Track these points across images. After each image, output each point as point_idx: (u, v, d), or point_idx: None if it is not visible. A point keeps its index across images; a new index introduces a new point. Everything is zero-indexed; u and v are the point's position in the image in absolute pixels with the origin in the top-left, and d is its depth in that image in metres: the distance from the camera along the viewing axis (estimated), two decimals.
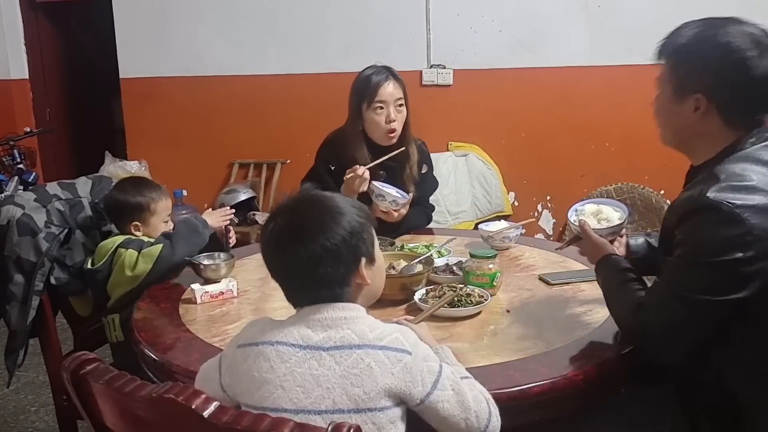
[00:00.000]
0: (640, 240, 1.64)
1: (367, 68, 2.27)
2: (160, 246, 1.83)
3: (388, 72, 2.24)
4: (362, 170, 2.12)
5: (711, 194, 1.17)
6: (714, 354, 1.26)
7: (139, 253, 1.83)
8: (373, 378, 1.02)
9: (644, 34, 3.98)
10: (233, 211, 2.05)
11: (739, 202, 1.15)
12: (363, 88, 2.22)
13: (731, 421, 1.25)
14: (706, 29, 1.26)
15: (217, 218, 2.00)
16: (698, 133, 1.28)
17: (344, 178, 2.15)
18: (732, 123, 1.25)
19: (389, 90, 2.20)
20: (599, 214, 1.59)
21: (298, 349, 1.05)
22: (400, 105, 2.23)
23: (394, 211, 2.17)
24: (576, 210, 1.61)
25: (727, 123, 1.25)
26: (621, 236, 1.61)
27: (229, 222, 2.01)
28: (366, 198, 2.15)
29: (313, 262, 1.07)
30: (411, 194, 2.23)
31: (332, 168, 2.26)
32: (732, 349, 1.25)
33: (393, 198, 2.16)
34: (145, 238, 1.91)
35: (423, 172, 2.38)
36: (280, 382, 1.03)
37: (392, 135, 2.23)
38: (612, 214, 1.59)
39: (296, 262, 1.07)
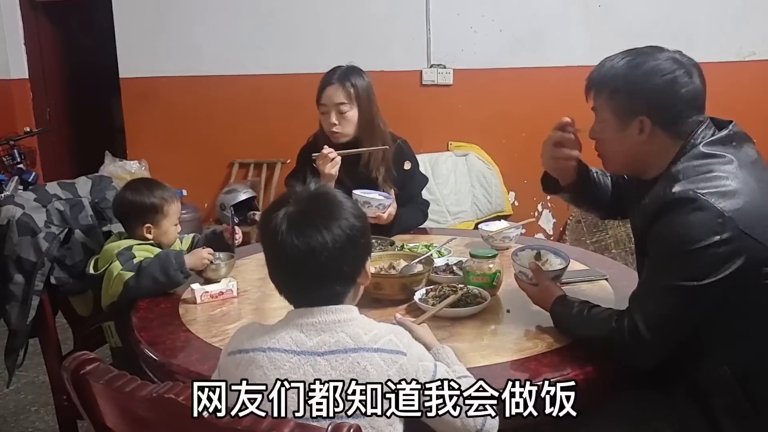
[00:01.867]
0: (585, 165, 1.66)
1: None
2: (130, 274, 1.75)
3: (341, 74, 2.26)
4: (328, 150, 2.17)
5: (677, 189, 1.25)
6: (718, 346, 1.28)
7: (119, 270, 1.77)
8: (370, 381, 1.01)
9: (644, 34, 3.98)
10: (212, 254, 1.87)
11: (704, 190, 1.23)
12: (318, 88, 2.29)
13: (752, 410, 1.26)
14: (633, 58, 1.37)
15: (198, 259, 1.83)
16: (647, 152, 1.38)
17: (315, 164, 2.20)
18: (675, 134, 1.35)
19: (329, 93, 2.24)
20: (540, 259, 1.64)
21: (292, 354, 1.04)
22: (344, 108, 2.24)
23: (382, 213, 2.18)
24: (517, 254, 1.65)
25: (671, 136, 1.35)
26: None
27: (208, 263, 1.85)
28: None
29: (335, 251, 1.05)
30: (392, 191, 2.25)
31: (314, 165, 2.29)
32: (734, 336, 1.27)
33: (379, 202, 2.17)
34: (144, 250, 1.85)
35: (406, 168, 2.39)
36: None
37: (336, 135, 2.27)
38: (553, 259, 1.65)
39: (318, 249, 1.04)
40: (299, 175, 2.32)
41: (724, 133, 1.34)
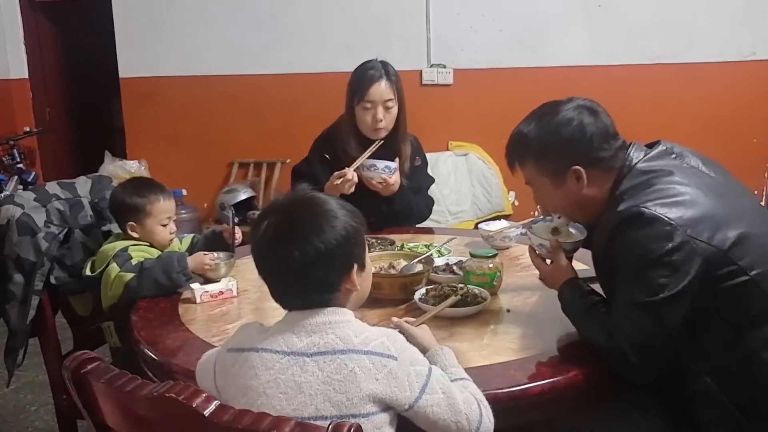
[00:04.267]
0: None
1: (366, 62, 2.31)
2: (130, 275, 1.75)
3: (384, 70, 2.26)
4: (351, 174, 2.17)
5: (622, 207, 1.29)
6: (697, 359, 1.28)
7: (118, 272, 1.77)
8: (356, 384, 1.01)
9: (644, 34, 4.01)
10: (214, 259, 1.86)
11: (648, 204, 1.26)
12: (356, 84, 2.27)
13: (744, 419, 1.26)
14: (539, 120, 1.43)
15: (199, 264, 1.82)
16: (591, 193, 1.41)
17: (333, 182, 2.18)
18: (607, 167, 1.40)
19: (379, 90, 2.23)
20: (558, 233, 1.59)
21: (282, 355, 1.04)
22: (390, 104, 2.26)
23: (389, 177, 2.21)
24: (532, 227, 1.61)
25: (605, 169, 1.40)
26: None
27: (209, 268, 1.84)
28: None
29: (305, 265, 1.05)
30: (397, 160, 2.27)
31: (327, 157, 2.30)
32: (710, 347, 1.27)
33: (385, 164, 2.21)
34: (140, 250, 1.85)
35: (417, 164, 2.42)
36: (264, 389, 1.03)
37: (379, 131, 2.27)
38: (570, 228, 1.59)
39: (288, 263, 1.06)
40: (309, 168, 2.36)
41: (657, 149, 1.39)
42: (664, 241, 1.21)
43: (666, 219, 1.22)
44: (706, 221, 1.24)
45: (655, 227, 1.23)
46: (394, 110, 2.28)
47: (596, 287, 1.45)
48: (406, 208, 2.34)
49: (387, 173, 2.21)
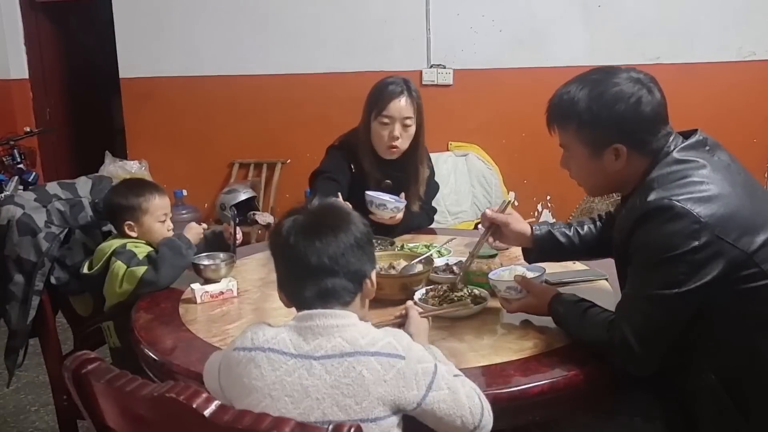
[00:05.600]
0: (544, 230, 1.69)
1: (387, 78, 2.24)
2: (143, 268, 1.78)
3: (405, 87, 2.19)
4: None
5: (652, 198, 1.25)
6: (703, 354, 1.28)
7: (126, 268, 1.78)
8: (365, 387, 1.01)
9: (644, 34, 4.01)
10: (204, 226, 2.00)
11: (680, 196, 1.23)
12: (375, 97, 2.20)
13: (741, 417, 1.26)
14: (593, 87, 1.34)
15: (195, 234, 1.94)
16: (624, 173, 1.37)
17: None
18: (648, 150, 1.34)
19: (398, 106, 2.16)
20: (515, 272, 1.58)
21: (290, 357, 1.04)
22: (408, 122, 2.19)
23: (395, 215, 2.16)
24: (492, 279, 1.58)
25: (644, 153, 1.34)
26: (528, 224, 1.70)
27: (203, 232, 1.95)
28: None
29: (344, 249, 1.10)
30: (403, 195, 2.22)
31: (352, 167, 2.24)
32: (719, 343, 1.27)
33: (394, 205, 2.14)
34: (139, 245, 1.87)
35: (427, 176, 2.37)
36: (269, 390, 1.03)
37: (393, 151, 2.21)
38: (527, 273, 1.58)
39: (328, 248, 1.09)
40: (335, 177, 2.20)
41: (694, 139, 1.34)
42: (691, 239, 1.19)
43: (695, 216, 1.20)
44: (736, 221, 1.22)
45: (684, 223, 1.20)
46: (412, 129, 2.20)
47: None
48: (407, 230, 2.29)
49: (396, 212, 2.14)
